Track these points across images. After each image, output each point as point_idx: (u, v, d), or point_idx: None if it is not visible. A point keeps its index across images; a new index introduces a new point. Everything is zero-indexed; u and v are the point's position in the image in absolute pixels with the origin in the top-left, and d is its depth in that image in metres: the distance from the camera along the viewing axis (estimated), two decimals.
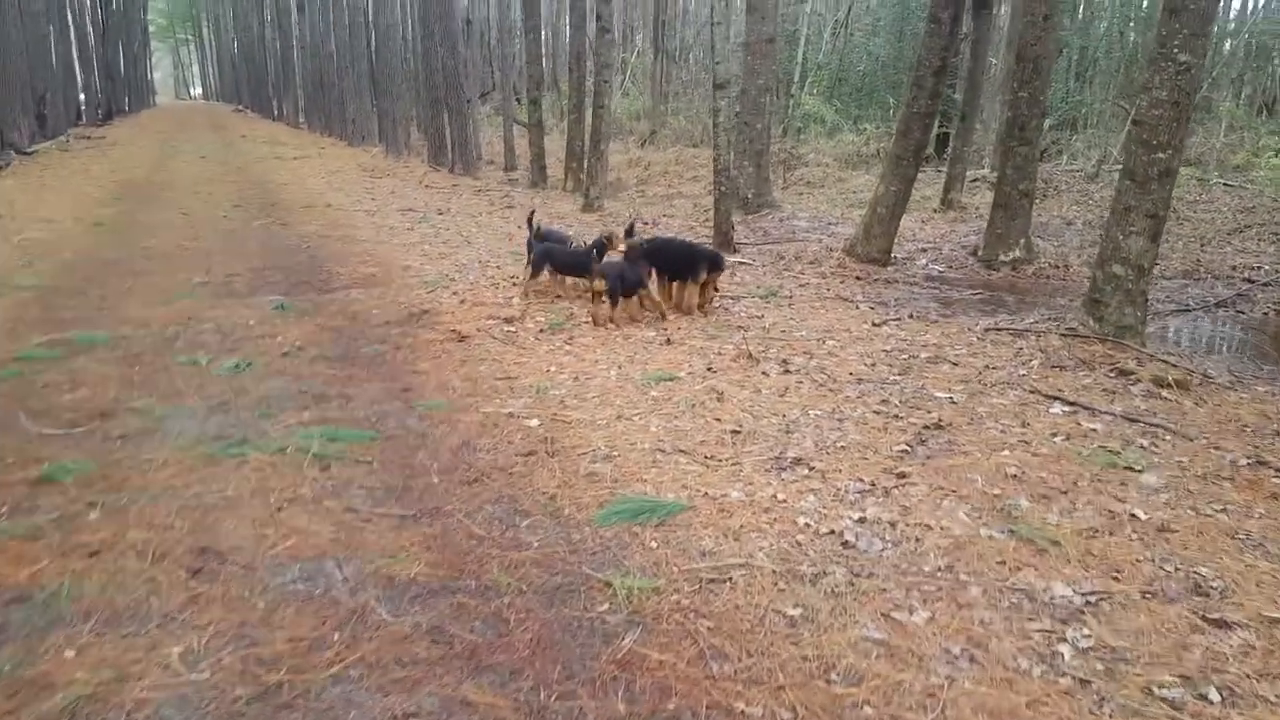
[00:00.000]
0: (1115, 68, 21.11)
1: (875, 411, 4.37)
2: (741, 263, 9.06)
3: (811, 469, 3.63)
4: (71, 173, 16.49)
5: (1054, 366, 5.27)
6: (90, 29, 36.19)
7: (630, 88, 30.24)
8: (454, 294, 6.96)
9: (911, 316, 6.71)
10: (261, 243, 9.29)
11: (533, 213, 7.49)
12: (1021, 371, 5.13)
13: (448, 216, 11.68)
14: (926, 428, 4.13)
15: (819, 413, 4.31)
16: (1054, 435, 4.10)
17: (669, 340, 5.65)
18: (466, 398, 4.50)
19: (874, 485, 3.49)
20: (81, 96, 32.54)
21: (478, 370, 4.97)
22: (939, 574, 2.96)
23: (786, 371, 5.06)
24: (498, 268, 8.20)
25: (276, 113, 43.03)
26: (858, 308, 7.08)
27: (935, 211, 13.07)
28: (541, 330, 5.84)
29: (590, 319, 6.07)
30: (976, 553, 3.10)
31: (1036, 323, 6.74)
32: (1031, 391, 4.76)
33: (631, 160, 21.33)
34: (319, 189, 14.38)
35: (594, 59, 13.01)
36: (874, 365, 5.27)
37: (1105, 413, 4.43)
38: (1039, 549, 3.14)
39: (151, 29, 68.75)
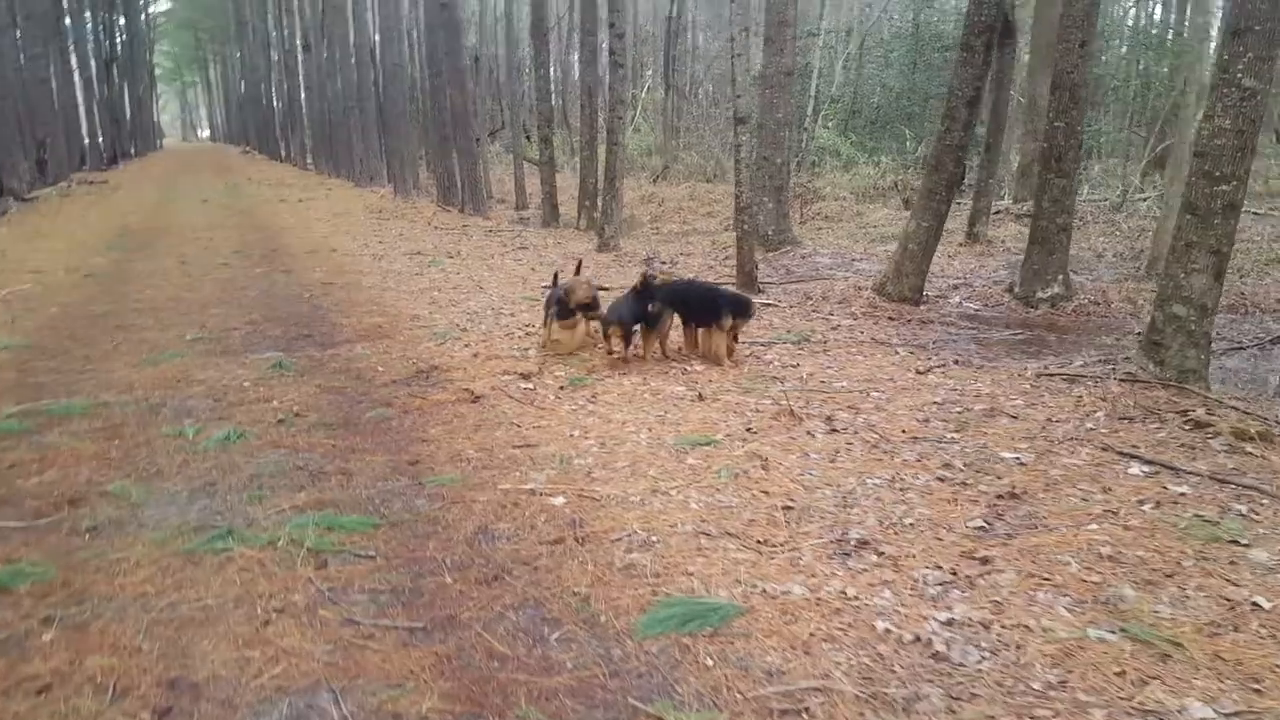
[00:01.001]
0: (1131, 95, 20.80)
1: (939, 478, 3.88)
2: (768, 304, 8.62)
3: (881, 554, 3.14)
4: (69, 219, 16.29)
5: (1121, 418, 4.77)
6: (94, 72, 36.45)
7: (641, 124, 30.12)
8: (466, 346, 6.53)
9: (956, 362, 6.24)
10: (262, 292, 8.91)
11: (556, 275, 7.19)
12: (1089, 425, 4.64)
13: (458, 260, 11.31)
14: (1000, 497, 3.64)
15: (877, 481, 3.83)
16: (1141, 502, 3.60)
17: (700, 396, 5.19)
18: (482, 470, 4.03)
19: (955, 574, 3.00)
20: (85, 141, 32.64)
21: (493, 436, 4.51)
22: (1052, 693, 2.46)
23: (833, 430, 4.58)
24: (512, 315, 7.78)
25: (284, 154, 43.20)
26: (896, 353, 6.61)
27: (961, 246, 12.64)
28: (562, 387, 5.38)
29: (610, 369, 5.64)
30: (1089, 661, 2.60)
31: (1087, 365, 6.26)
32: (1104, 448, 4.26)
33: (645, 196, 21.06)
34: (324, 233, 14.07)
35: (608, 94, 12.72)
36: (927, 421, 4.79)
37: (1189, 473, 3.93)
38: (1160, 653, 2.63)
39: (158, 71, 69.66)
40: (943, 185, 8.28)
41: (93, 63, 36.43)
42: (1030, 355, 6.95)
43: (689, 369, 5.91)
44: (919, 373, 5.89)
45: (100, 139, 35.07)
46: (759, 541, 3.24)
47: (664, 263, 11.72)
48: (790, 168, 12.79)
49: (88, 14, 36.76)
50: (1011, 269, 11.24)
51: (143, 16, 51.07)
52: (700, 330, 6.15)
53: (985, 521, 3.37)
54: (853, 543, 3.22)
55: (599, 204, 14.88)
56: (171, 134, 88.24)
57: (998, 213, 14.63)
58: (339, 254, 11.74)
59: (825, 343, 6.86)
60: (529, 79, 26.82)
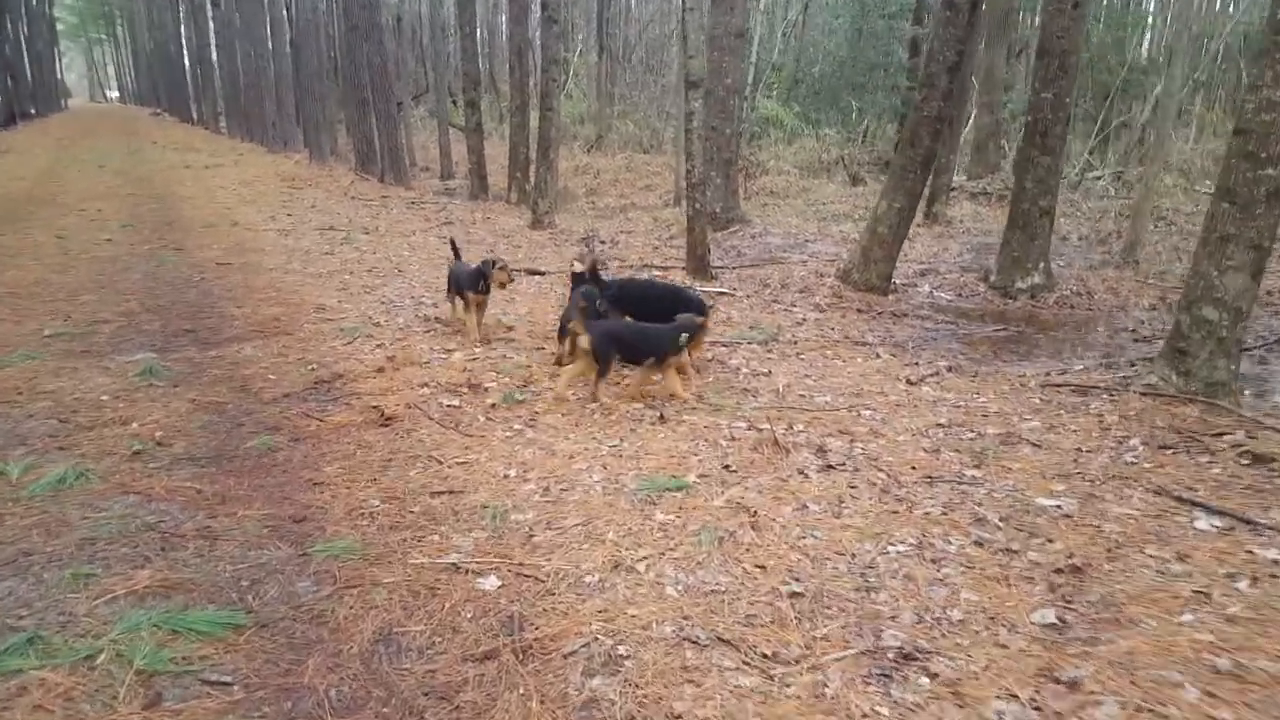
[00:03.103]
0: (1082, 66, 20.47)
1: (976, 541, 3.09)
2: (722, 293, 7.78)
3: (932, 675, 2.32)
4: None
5: (1162, 447, 4.08)
6: None
7: (573, 89, 28.82)
8: (378, 346, 5.51)
9: (950, 370, 5.50)
10: (145, 274, 7.65)
11: (454, 243, 6.27)
12: (1127, 458, 3.93)
13: (375, 236, 10.14)
14: (1059, 571, 2.86)
15: (901, 548, 3.02)
16: (1232, 577, 2.85)
17: (662, 417, 4.31)
18: (389, 532, 3.08)
19: (1040, 709, 2.20)
20: None
21: (407, 477, 3.55)
22: None
23: (829, 467, 3.76)
24: (434, 305, 6.76)
25: (195, 117, 40.42)
26: (878, 355, 5.85)
27: (919, 226, 11.99)
28: (494, 405, 4.43)
29: (554, 386, 4.70)
30: None
31: (1091, 371, 5.61)
32: (1157, 491, 3.55)
33: (579, 167, 19.96)
34: (227, 203, 12.65)
35: (540, 54, 11.60)
36: (937, 452, 4.01)
37: (1269, 528, 3.23)
38: None
39: (61, 27, 64.65)
40: (918, 162, 7.53)
41: None
42: (1022, 357, 6.27)
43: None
44: (910, 383, 5.13)
45: None
46: (765, 655, 2.38)
47: (602, 242, 10.78)
48: (738, 140, 11.92)
49: None
50: (976, 252, 10.65)
51: None
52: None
53: (1057, 617, 2.58)
54: (891, 655, 2.39)
55: (531, 175, 13.79)
56: (79, 94, 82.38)
57: (952, 190, 14.06)
58: (241, 228, 10.43)
59: (795, 343, 6.05)
60: (454, 39, 25.26)
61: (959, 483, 3.66)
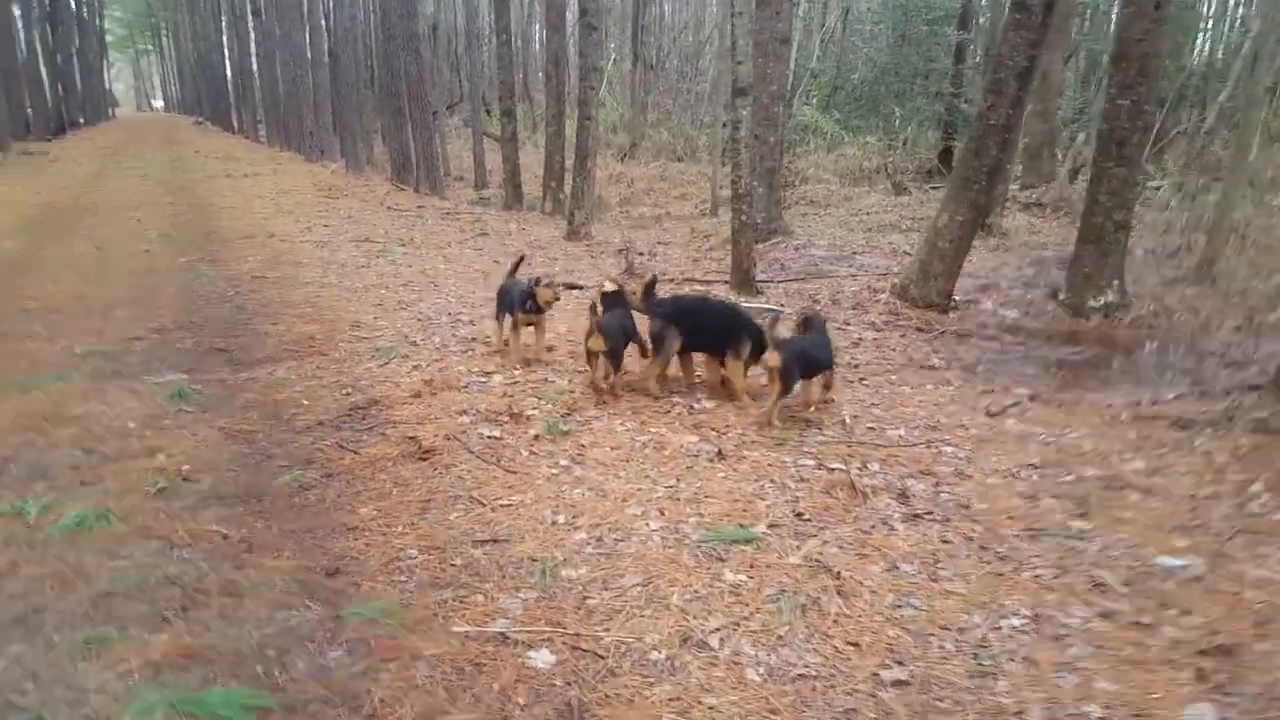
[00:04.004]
0: None
1: (1102, 614, 2.69)
2: (770, 309, 7.40)
3: None
4: None
5: None
6: (39, 37, 33.92)
7: (606, 97, 28.62)
8: (415, 367, 5.22)
9: (1033, 399, 5.06)
10: (181, 288, 7.46)
11: (520, 260, 5.91)
12: (1253, 507, 3.49)
13: (411, 249, 9.90)
14: (1204, 653, 2.46)
15: (1015, 622, 2.63)
16: None
17: (720, 453, 3.95)
18: (429, 590, 2.76)
19: None
20: (29, 109, 30.31)
21: (447, 521, 3.23)
22: None
23: (915, 516, 3.38)
24: (471, 322, 6.47)
25: (236, 125, 40.90)
26: (949, 382, 5.43)
27: (974, 239, 11.50)
28: (537, 436, 4.10)
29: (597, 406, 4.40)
30: None
31: (1185, 399, 5.16)
32: None
33: (612, 176, 19.69)
34: (265, 214, 12.52)
35: (579, 61, 11.31)
36: (1035, 498, 3.60)
37: None
38: None
39: (110, 39, 66.10)
40: (983, 172, 7.09)
41: (35, 27, 33.86)
42: (1104, 383, 5.82)
43: (695, 406, 4.66)
44: (991, 415, 4.72)
45: (49, 107, 32.68)
46: None
47: (640, 253, 10.45)
48: (781, 148, 11.53)
49: None
50: (1037, 266, 10.15)
51: None
52: (710, 359, 4.92)
53: (1220, 717, 2.18)
54: None
55: (567, 185, 13.51)
56: (126, 104, 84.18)
57: (1005, 200, 13.53)
58: (277, 239, 10.26)
59: (856, 366, 5.66)
60: (489, 49, 25.18)
61: (1066, 536, 3.26)
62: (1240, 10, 22.16)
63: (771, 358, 4.33)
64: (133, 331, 6.00)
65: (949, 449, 4.17)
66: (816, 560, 2.97)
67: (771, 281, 8.71)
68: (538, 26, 32.23)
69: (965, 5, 21.16)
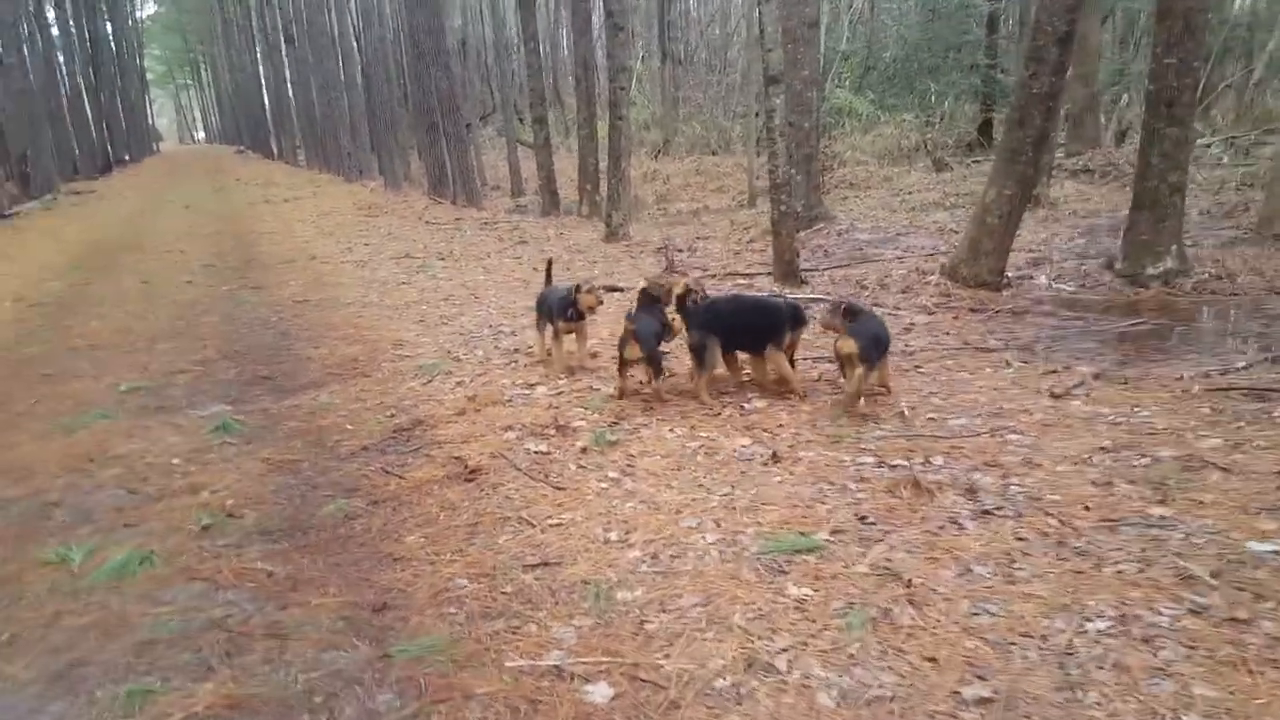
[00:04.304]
0: None
1: (1192, 610, 2.49)
2: (815, 298, 7.20)
3: None
4: (42, 236, 14.94)
5: None
6: (82, 79, 35.06)
7: (637, 96, 28.50)
8: (458, 383, 5.15)
9: (1097, 378, 4.80)
10: (224, 317, 7.54)
11: (550, 265, 5.79)
12: None
13: (450, 261, 9.91)
14: None
15: (1101, 625, 2.43)
16: None
17: (775, 456, 3.79)
18: (479, 622, 2.66)
19: None
20: (76, 149, 31.35)
21: (496, 545, 3.13)
22: None
23: (985, 513, 3.18)
24: (513, 334, 6.40)
25: (276, 151, 41.76)
26: (1008, 363, 5.19)
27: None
28: (584, 449, 3.99)
29: (656, 406, 4.27)
30: None
31: (1255, 368, 4.86)
32: None
33: (647, 174, 19.54)
34: (306, 237, 12.68)
35: (607, 62, 11.21)
36: (1109, 484, 3.38)
37: None
38: None
39: (150, 76, 68.15)
40: (1028, 143, 6.79)
41: (79, 70, 35.03)
42: (1169, 355, 5.51)
43: (745, 406, 4.51)
44: (1055, 397, 4.47)
45: (95, 146, 33.80)
46: None
47: (680, 250, 10.29)
48: (817, 134, 11.28)
49: (70, 22, 35.32)
50: (1089, 235, 9.77)
51: (130, 20, 49.55)
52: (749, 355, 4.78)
53: None
54: None
55: (602, 187, 13.42)
56: (169, 138, 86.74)
57: (1051, 169, 13.07)
58: (318, 262, 10.36)
59: (911, 354, 5.44)
60: (518, 57, 25.24)
61: (1146, 525, 3.04)
62: None
63: (845, 344, 4.26)
64: (176, 364, 6.06)
65: (1014, 436, 3.96)
66: (885, 567, 2.81)
67: (816, 270, 8.50)
68: (565, 31, 32.28)
69: None
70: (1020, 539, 2.98)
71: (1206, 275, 7.20)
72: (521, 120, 24.09)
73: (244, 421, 4.66)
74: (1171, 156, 6.80)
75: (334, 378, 5.43)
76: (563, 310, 5.11)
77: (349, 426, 4.50)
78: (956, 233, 10.33)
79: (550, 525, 3.24)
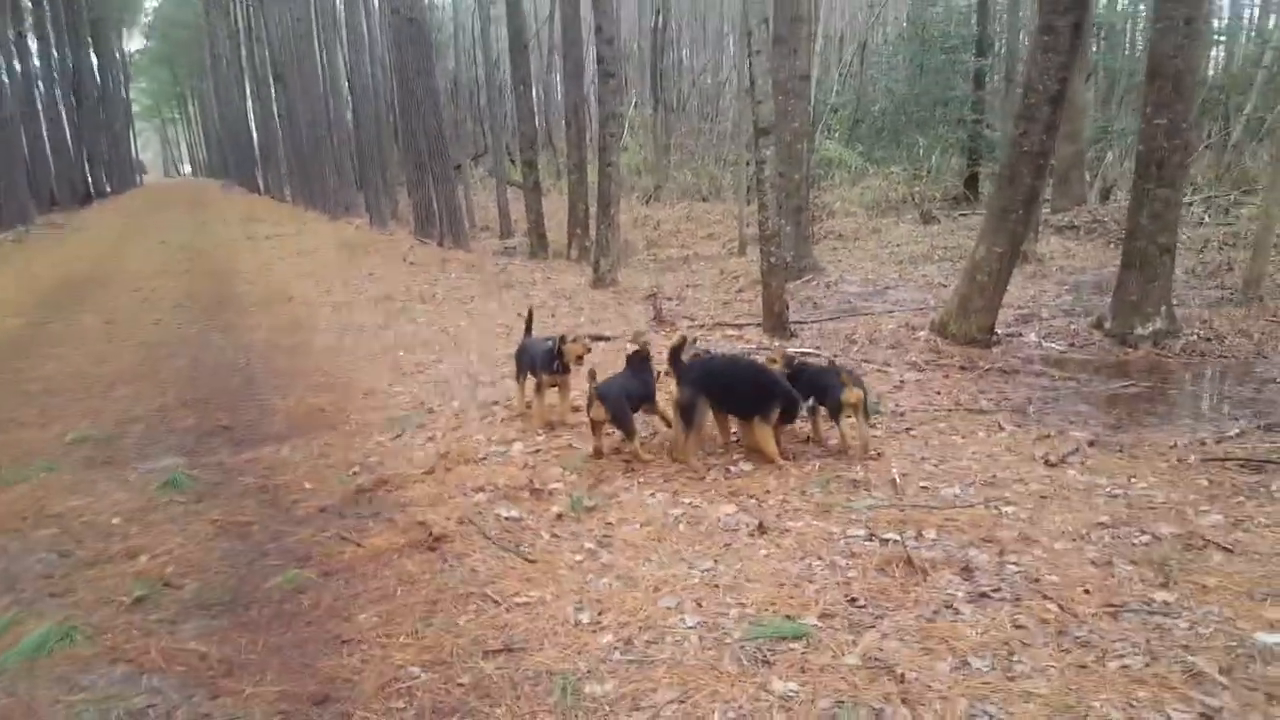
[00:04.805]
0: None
1: (1202, 712, 2.29)
2: (805, 353, 7.03)
3: None
4: (10, 268, 14.64)
5: None
6: (64, 113, 34.98)
7: (629, 141, 28.70)
8: (430, 438, 4.92)
9: (1091, 444, 4.64)
10: (189, 360, 7.27)
11: (530, 314, 5.60)
12: None
13: (432, 305, 9.71)
14: None
15: None
16: None
17: (762, 526, 3.57)
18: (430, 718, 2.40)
19: None
20: (54, 181, 31.13)
21: (456, 627, 2.87)
22: None
23: (982, 595, 2.97)
24: (492, 383, 6.18)
25: (262, 187, 41.68)
26: (1001, 427, 5.02)
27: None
28: (560, 515, 3.76)
29: (638, 467, 4.06)
30: None
31: (1250, 436, 4.74)
32: None
33: (637, 219, 19.52)
34: (285, 276, 12.46)
35: (598, 108, 11.18)
36: (1109, 564, 3.19)
37: None
38: None
39: (137, 109, 68.31)
40: (1019, 201, 6.72)
41: (61, 101, 34.96)
42: (1162, 419, 5.38)
43: (731, 470, 4.30)
44: (1050, 465, 4.30)
45: (75, 177, 33.60)
46: None
47: (668, 298, 10.15)
48: (807, 185, 11.23)
49: (54, 52, 35.33)
50: (1076, 292, 9.72)
51: (117, 54, 49.79)
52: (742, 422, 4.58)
53: None
54: None
55: (591, 231, 13.34)
56: (154, 171, 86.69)
57: (1038, 226, 13.10)
58: (295, 303, 10.12)
59: (902, 414, 5.26)
60: (509, 99, 25.38)
61: (1149, 612, 2.84)
62: (1256, 20, 21.76)
63: (853, 395, 4.37)
64: (132, 411, 5.77)
65: (1009, 509, 3.76)
66: (876, 659, 2.58)
67: (805, 322, 8.35)
68: (557, 76, 32.62)
69: (982, 32, 20.98)
70: (1019, 626, 2.77)
71: (1195, 336, 7.12)
72: (513, 161, 24.13)
73: (196, 477, 4.39)
74: (1161, 217, 6.74)
75: (298, 431, 5.18)
76: (547, 362, 4.91)
77: (308, 485, 4.24)
78: (945, 287, 10.26)
79: (517, 604, 2.99)
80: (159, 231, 20.96)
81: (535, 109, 20.03)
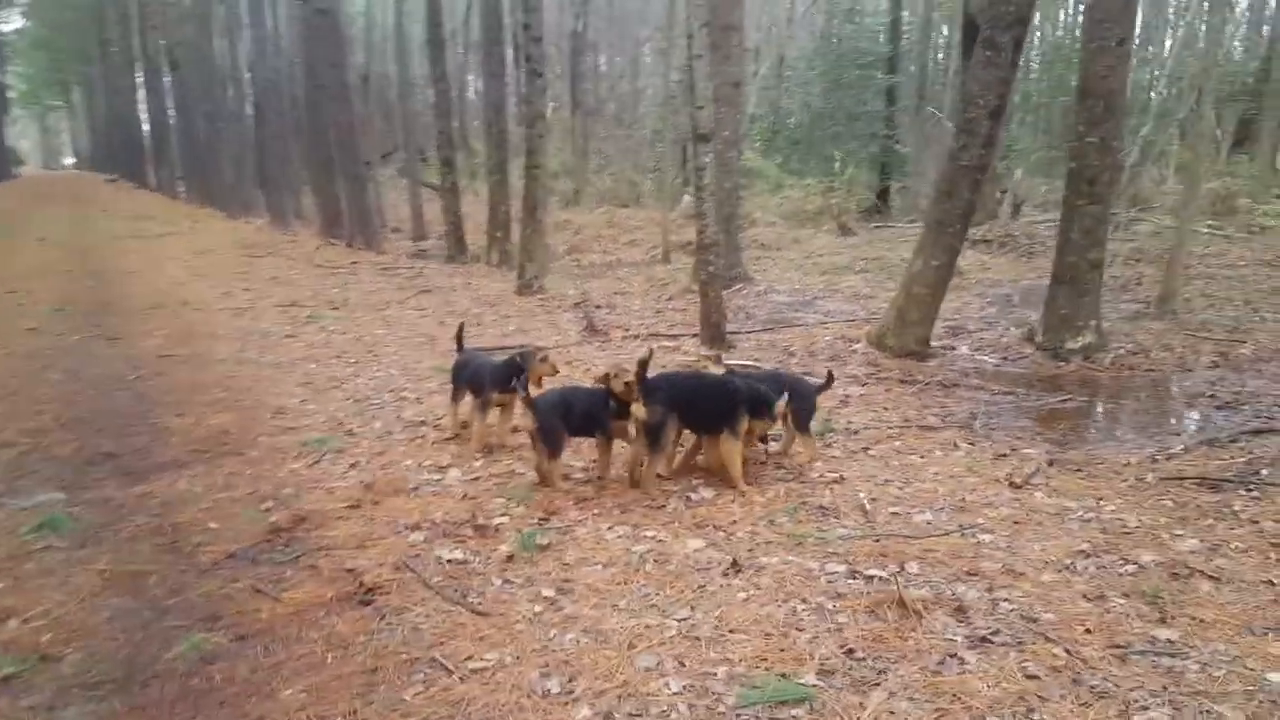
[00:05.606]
0: (1057, 113, 20.17)
1: None
2: (744, 365, 6.81)
3: None
4: None
5: None
6: None
7: (548, 144, 28.20)
8: (352, 465, 4.43)
9: (1051, 463, 4.54)
10: (69, 375, 6.49)
11: (461, 330, 5.17)
12: None
13: (345, 311, 9.08)
14: None
15: None
16: None
17: (735, 564, 3.27)
18: None
19: None
20: None
21: (401, 704, 2.44)
22: None
23: (982, 640, 2.75)
24: (418, 400, 5.71)
25: (153, 183, 39.17)
26: (956, 446, 4.89)
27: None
28: (510, 557, 3.36)
29: (591, 496, 3.69)
30: None
31: (1195, 451, 4.76)
32: None
33: (557, 224, 19.11)
34: (178, 278, 11.52)
35: (524, 108, 10.75)
36: (1102, 599, 3.03)
37: None
38: None
39: (12, 94, 63.39)
40: (957, 215, 6.68)
41: None
42: (1106, 435, 5.40)
43: (691, 497, 3.99)
44: (1015, 486, 4.17)
45: None
46: None
47: (597, 306, 9.80)
48: (738, 194, 11.09)
49: None
50: (999, 306, 9.86)
51: None
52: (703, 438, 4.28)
53: None
54: None
55: (513, 235, 12.87)
56: (33, 162, 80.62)
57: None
58: (190, 308, 9.31)
59: (856, 433, 5.07)
60: (423, 97, 24.54)
61: (1156, 653, 2.68)
62: (1150, 48, 23.01)
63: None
64: (1, 435, 5.05)
65: (986, 536, 3.58)
66: None
67: (740, 333, 8.15)
68: (471, 76, 31.78)
69: (893, 50, 21.50)
70: (1031, 676, 2.55)
71: (1123, 350, 7.24)
72: (425, 161, 23.33)
73: (78, 516, 3.78)
74: (1092, 233, 6.82)
75: (198, 456, 4.59)
76: (503, 380, 4.49)
77: (213, 524, 3.70)
78: (872, 298, 10.27)
79: (471, 670, 2.59)
80: (37, 228, 19.27)
81: (452, 107, 19.36)
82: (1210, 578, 3.20)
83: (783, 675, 2.53)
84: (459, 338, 5.17)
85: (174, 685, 2.55)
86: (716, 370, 4.60)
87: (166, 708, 2.44)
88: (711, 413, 4.05)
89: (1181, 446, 4.99)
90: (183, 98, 29.01)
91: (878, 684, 2.50)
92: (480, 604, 2.98)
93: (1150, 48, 22.46)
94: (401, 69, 22.94)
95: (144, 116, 40.91)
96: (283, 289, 10.67)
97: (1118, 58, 6.47)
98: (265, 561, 3.33)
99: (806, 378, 5.07)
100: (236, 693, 2.50)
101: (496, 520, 3.67)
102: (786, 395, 4.27)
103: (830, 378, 4.87)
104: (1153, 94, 19.63)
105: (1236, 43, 21.59)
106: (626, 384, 3.96)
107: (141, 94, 40.06)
